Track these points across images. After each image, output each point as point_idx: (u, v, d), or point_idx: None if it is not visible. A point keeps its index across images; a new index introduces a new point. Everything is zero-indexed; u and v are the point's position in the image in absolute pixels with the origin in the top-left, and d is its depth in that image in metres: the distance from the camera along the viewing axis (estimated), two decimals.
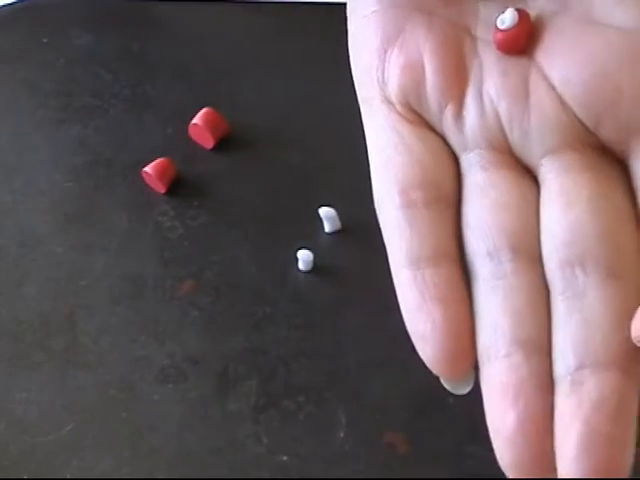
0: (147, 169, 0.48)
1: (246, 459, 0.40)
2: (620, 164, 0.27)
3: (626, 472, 0.24)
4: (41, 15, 0.57)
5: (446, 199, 0.27)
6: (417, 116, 0.28)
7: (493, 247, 0.26)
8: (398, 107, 0.28)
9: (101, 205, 0.49)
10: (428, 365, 0.25)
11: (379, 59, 0.28)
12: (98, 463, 0.41)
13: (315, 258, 0.45)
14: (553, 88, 0.27)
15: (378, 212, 0.27)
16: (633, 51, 0.26)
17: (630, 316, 0.25)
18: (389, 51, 0.28)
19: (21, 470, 0.41)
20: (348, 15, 0.30)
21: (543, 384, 0.25)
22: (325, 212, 0.46)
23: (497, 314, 0.25)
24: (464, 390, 0.26)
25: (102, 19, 0.57)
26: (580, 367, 0.24)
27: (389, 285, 0.26)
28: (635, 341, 0.24)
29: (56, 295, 0.45)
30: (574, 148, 0.26)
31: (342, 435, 0.41)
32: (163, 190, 0.48)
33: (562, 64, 0.27)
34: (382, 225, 0.27)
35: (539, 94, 0.27)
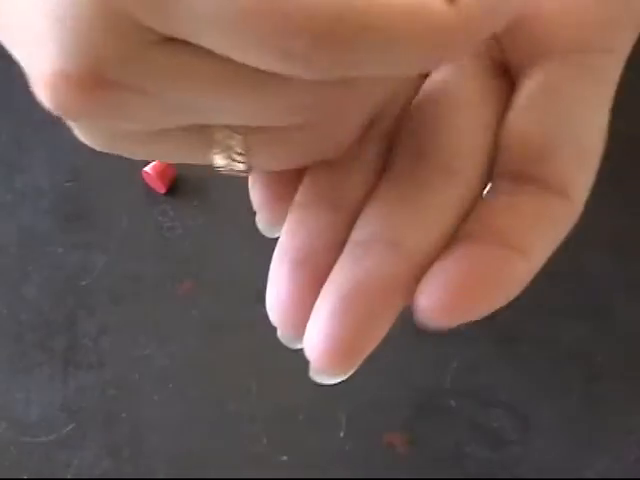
0: (147, 169, 0.48)
1: (246, 459, 0.40)
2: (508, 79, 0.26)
3: (364, 352, 0.24)
4: None
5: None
6: None
7: None
8: None
9: (101, 205, 0.49)
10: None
11: None
12: (98, 463, 0.41)
13: None
14: None
15: None
16: None
17: (458, 211, 0.25)
18: None
19: (21, 470, 0.41)
20: None
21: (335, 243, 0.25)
22: None
23: None
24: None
25: None
26: (374, 239, 0.24)
27: None
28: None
29: (56, 295, 0.45)
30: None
31: (342, 435, 0.41)
32: (163, 190, 0.48)
33: None
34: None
35: None
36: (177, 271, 0.46)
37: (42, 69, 0.22)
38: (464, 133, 0.26)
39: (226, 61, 0.22)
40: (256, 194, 0.27)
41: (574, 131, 0.25)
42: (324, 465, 0.40)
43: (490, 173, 0.26)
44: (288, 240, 0.26)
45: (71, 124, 0.24)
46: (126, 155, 0.25)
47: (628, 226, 0.45)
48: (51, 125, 0.53)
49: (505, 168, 0.26)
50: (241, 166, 0.25)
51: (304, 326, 0.24)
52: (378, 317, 0.24)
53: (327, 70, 0.21)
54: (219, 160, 0.25)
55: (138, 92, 0.22)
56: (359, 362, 0.24)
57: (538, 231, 0.25)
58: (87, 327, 0.44)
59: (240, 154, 0.25)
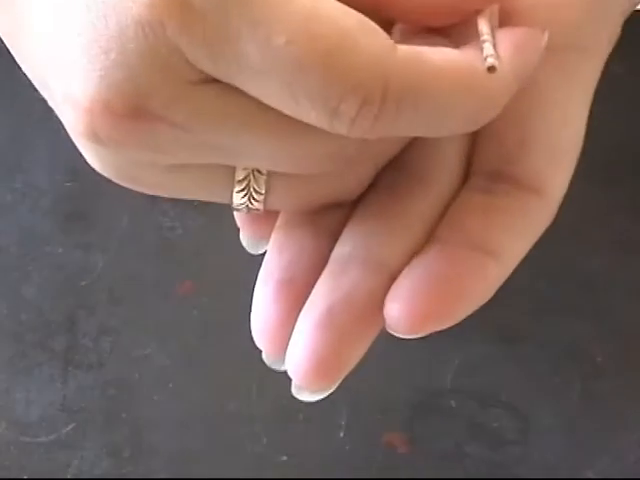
0: None
1: (246, 459, 0.40)
2: None
3: (346, 367, 0.24)
4: None
5: None
6: None
7: None
8: None
9: (101, 205, 0.49)
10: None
11: None
12: (98, 463, 0.41)
13: None
14: None
15: None
16: None
17: (435, 220, 0.25)
18: None
19: (21, 470, 0.41)
20: None
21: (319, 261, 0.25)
22: None
23: None
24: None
25: None
26: (352, 257, 0.24)
27: None
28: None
29: (56, 295, 0.45)
30: None
31: (342, 435, 0.41)
32: None
33: None
34: None
35: None
36: (177, 271, 0.46)
37: (81, 95, 0.22)
38: (439, 140, 0.26)
39: (267, 107, 0.22)
40: (240, 212, 0.27)
41: (548, 130, 0.25)
42: (324, 465, 0.40)
43: (466, 176, 0.26)
44: (273, 261, 0.26)
45: (87, 150, 0.24)
46: (140, 189, 0.25)
47: (628, 226, 0.45)
48: (51, 125, 0.53)
49: (480, 167, 0.26)
50: (258, 205, 0.25)
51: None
52: (358, 334, 0.24)
53: (370, 132, 0.21)
54: (238, 198, 0.25)
55: (174, 127, 0.22)
56: (340, 379, 0.24)
57: (511, 232, 0.25)
58: (87, 327, 0.44)
59: (260, 194, 0.25)
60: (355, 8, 0.21)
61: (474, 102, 0.22)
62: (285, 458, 0.40)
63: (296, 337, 0.24)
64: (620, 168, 0.46)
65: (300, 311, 0.24)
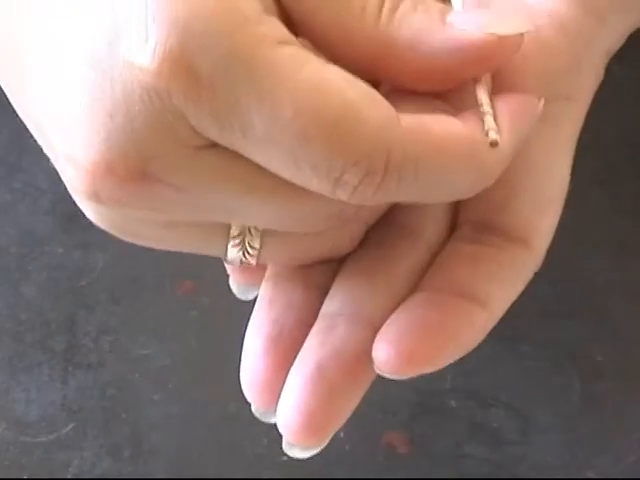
0: None
1: (246, 459, 0.40)
2: None
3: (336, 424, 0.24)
4: None
5: None
6: None
7: None
8: None
9: None
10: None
11: None
12: (98, 463, 0.41)
13: None
14: None
15: None
16: None
17: (422, 272, 0.25)
18: None
19: (21, 470, 0.41)
20: None
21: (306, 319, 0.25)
22: None
23: None
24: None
25: None
26: (339, 313, 0.25)
27: None
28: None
29: (56, 295, 0.45)
30: None
31: (342, 435, 0.41)
32: None
33: None
34: None
35: None
36: (177, 271, 0.46)
37: (83, 156, 0.22)
38: None
39: (269, 172, 0.22)
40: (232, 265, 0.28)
41: (534, 180, 0.26)
42: (324, 465, 0.40)
43: (453, 226, 0.26)
44: (263, 313, 0.26)
45: (86, 207, 0.24)
46: (136, 242, 0.25)
47: (628, 226, 0.45)
48: None
49: (467, 218, 0.26)
50: (251, 259, 0.25)
51: (277, 402, 0.25)
52: (348, 389, 0.24)
53: (371, 199, 0.22)
54: (232, 253, 0.25)
55: (176, 189, 0.22)
56: (331, 434, 0.24)
57: (499, 281, 0.25)
58: (87, 327, 0.44)
59: (254, 249, 0.25)
60: (353, 70, 0.22)
61: (473, 174, 0.22)
62: (285, 458, 0.40)
63: (286, 394, 0.24)
64: (620, 169, 0.46)
65: (289, 366, 0.25)
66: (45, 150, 0.25)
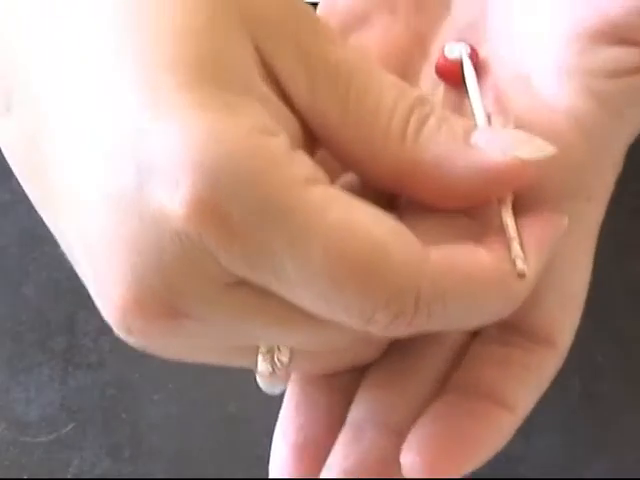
0: None
1: (246, 460, 0.40)
2: None
3: None
4: None
5: None
6: None
7: None
8: None
9: None
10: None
11: None
12: (98, 463, 0.41)
13: None
14: None
15: None
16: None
17: (444, 376, 0.25)
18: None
19: (21, 470, 0.41)
20: None
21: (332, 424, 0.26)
22: None
23: None
24: None
25: None
26: (365, 420, 0.25)
27: None
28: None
29: (56, 295, 0.45)
30: None
31: None
32: None
33: None
34: None
35: None
36: None
37: (113, 292, 0.22)
38: None
39: (298, 307, 0.22)
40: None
41: (557, 280, 0.26)
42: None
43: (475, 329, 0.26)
44: (289, 420, 0.26)
45: (117, 332, 0.24)
46: (166, 356, 0.25)
47: (628, 226, 0.45)
48: None
49: None
50: (280, 373, 0.26)
51: None
52: None
53: (402, 333, 0.22)
54: (262, 367, 0.26)
55: (202, 323, 0.22)
56: None
57: (527, 384, 0.25)
58: (87, 327, 0.44)
59: (283, 363, 0.25)
60: (377, 185, 0.22)
61: (500, 302, 0.23)
62: None
63: None
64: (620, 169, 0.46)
65: (316, 473, 0.25)
66: (75, 266, 0.25)
